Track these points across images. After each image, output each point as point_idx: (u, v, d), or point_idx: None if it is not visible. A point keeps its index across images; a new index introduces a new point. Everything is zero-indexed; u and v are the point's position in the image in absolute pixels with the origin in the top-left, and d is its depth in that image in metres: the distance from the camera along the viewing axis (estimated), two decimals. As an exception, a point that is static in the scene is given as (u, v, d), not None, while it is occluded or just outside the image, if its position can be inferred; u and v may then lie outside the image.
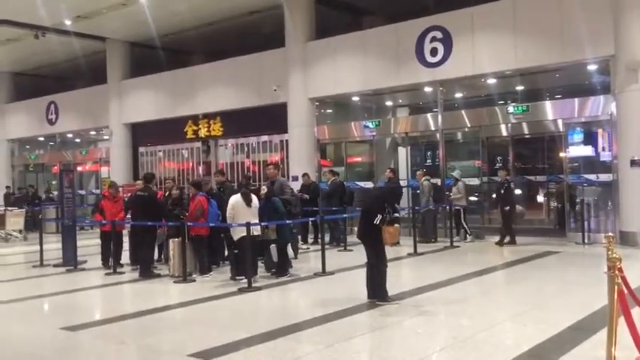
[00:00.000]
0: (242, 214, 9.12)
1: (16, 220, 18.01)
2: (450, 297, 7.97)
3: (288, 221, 9.86)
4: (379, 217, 7.39)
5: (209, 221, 9.85)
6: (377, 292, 7.49)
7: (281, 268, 9.69)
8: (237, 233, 9.08)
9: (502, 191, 12.86)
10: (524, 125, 14.74)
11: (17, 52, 22.06)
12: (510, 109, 14.00)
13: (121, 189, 13.83)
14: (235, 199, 9.24)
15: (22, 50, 21.61)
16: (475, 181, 14.71)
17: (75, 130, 24.06)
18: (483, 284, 8.90)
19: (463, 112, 15.00)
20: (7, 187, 23.59)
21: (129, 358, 5.75)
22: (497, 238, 12.93)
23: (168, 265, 10.27)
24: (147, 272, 10.18)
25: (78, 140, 25.43)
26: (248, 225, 8.81)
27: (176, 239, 9.95)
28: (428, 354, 5.42)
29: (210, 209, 9.90)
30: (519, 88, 15.53)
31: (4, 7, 17.12)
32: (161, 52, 20.33)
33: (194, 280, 9.59)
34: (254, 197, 9.42)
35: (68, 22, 18.40)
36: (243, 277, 9.06)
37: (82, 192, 23.44)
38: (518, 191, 15.29)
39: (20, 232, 18.09)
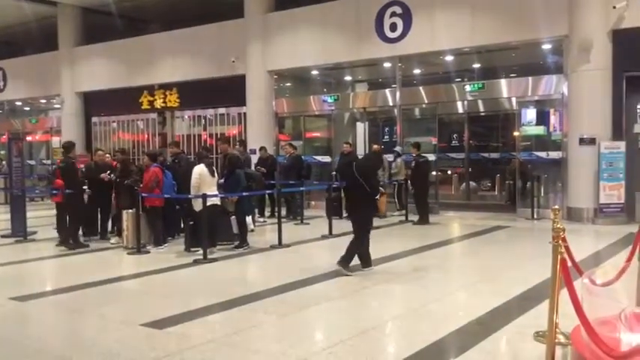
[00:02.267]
0: (207, 184, 9.13)
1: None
2: (402, 269, 8.13)
3: (246, 194, 9.83)
4: (381, 188, 7.56)
5: (164, 192, 9.73)
6: (345, 256, 7.57)
7: (241, 240, 9.69)
8: (199, 204, 8.99)
9: (412, 169, 12.92)
10: (480, 103, 14.99)
11: (-38, 15, 21.05)
12: (467, 86, 14.20)
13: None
14: (201, 168, 9.21)
15: (-33, 13, 20.63)
16: (431, 158, 14.91)
17: (24, 98, 23.25)
18: (435, 257, 9.10)
19: (421, 88, 15.14)
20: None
21: (81, 327, 5.68)
22: (451, 214, 13.21)
23: (122, 237, 10.12)
24: (67, 242, 9.99)
25: (27, 109, 24.58)
26: (205, 196, 8.78)
27: (130, 210, 9.79)
28: (380, 323, 5.54)
29: (165, 180, 9.77)
30: (476, 65, 15.75)
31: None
32: (117, 19, 19.68)
33: (148, 252, 9.50)
34: (214, 169, 9.52)
35: (17, -15, 17.65)
36: (199, 248, 9.01)
37: (32, 162, 22.76)
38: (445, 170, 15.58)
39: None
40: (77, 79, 20.77)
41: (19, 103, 23.95)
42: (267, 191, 12.47)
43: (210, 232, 9.07)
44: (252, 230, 11.14)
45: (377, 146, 13.97)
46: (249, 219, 10.17)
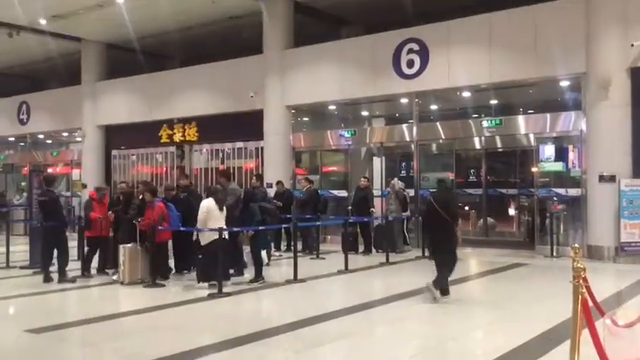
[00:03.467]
0: (215, 217, 9.09)
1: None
2: (419, 307, 8.01)
3: (262, 227, 9.84)
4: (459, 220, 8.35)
5: (172, 226, 9.74)
6: (444, 286, 8.02)
7: (256, 275, 9.65)
8: (206, 237, 9.01)
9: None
10: (497, 139, 14.97)
11: (-11, 50, 21.67)
12: (484, 122, 14.20)
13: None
14: (209, 202, 9.17)
15: (-6, 48, 21.22)
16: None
17: (46, 131, 23.64)
18: (453, 294, 8.94)
19: (438, 124, 15.16)
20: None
21: (94, 362, 5.66)
22: (468, 250, 13.08)
23: (118, 272, 9.91)
24: (46, 275, 9.95)
25: (49, 141, 25.00)
26: (221, 229, 8.80)
27: (127, 245, 9.68)
28: (396, 361, 5.44)
29: (171, 214, 9.82)
30: (493, 102, 15.77)
31: (-23, 4, 16.83)
32: (138, 55, 20.13)
33: (163, 285, 9.48)
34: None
35: (43, 22, 18.13)
36: (208, 282, 9.03)
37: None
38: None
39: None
40: (98, 112, 21.14)
41: (41, 136, 24.37)
42: (283, 225, 12.48)
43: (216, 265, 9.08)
44: (267, 264, 11.12)
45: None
46: (263, 253, 10.15)
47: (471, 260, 12.77)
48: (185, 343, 6.05)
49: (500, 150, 15.91)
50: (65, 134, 23.83)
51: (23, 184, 22.90)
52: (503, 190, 16.43)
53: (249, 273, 9.99)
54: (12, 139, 25.19)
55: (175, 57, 20.55)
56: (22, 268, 11.40)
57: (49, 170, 22.38)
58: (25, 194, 20.35)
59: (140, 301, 8.45)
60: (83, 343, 6.32)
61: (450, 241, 8.14)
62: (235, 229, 9.47)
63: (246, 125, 17.58)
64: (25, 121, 23.52)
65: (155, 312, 7.71)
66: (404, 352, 5.76)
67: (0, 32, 19.19)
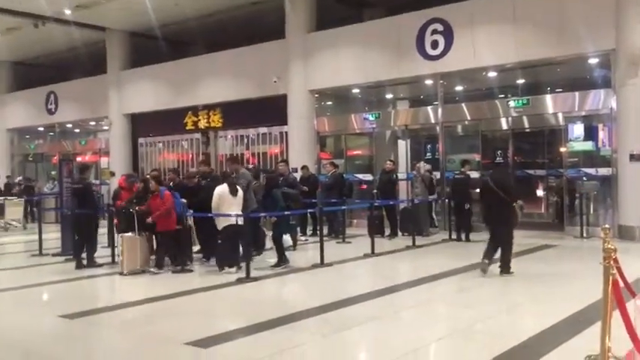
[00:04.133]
0: (228, 202, 9.23)
1: (15, 209, 18.03)
2: (447, 289, 8.00)
3: (286, 212, 9.89)
4: (519, 201, 8.81)
5: (179, 210, 9.65)
6: (504, 265, 8.45)
7: (279, 259, 9.72)
8: (221, 222, 9.24)
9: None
10: (525, 119, 14.70)
11: (17, 42, 21.98)
12: (511, 102, 13.99)
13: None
14: (221, 188, 9.32)
15: (22, 39, 21.52)
16: (475, 175, 14.68)
17: (74, 121, 24.00)
18: (481, 276, 8.90)
19: (463, 105, 14.99)
20: (8, 177, 23.59)
21: (127, 346, 5.76)
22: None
23: (119, 261, 9.65)
24: (78, 262, 10.09)
25: (77, 130, 25.39)
26: (249, 216, 8.88)
27: (126, 235, 9.54)
28: (425, 344, 5.44)
29: (176, 201, 9.68)
30: (520, 81, 15.50)
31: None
32: (161, 43, 20.25)
33: (192, 271, 9.60)
34: (239, 188, 9.51)
35: (68, 12, 18.34)
36: (225, 266, 9.27)
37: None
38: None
39: (19, 221, 18.11)
40: (124, 101, 21.37)
41: (69, 126, 24.76)
42: (309, 210, 12.52)
43: (233, 250, 9.35)
44: (293, 249, 11.20)
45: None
46: (288, 237, 10.19)
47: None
48: (214, 328, 6.14)
49: (527, 130, 15.62)
50: (92, 123, 24.17)
51: (53, 172, 23.35)
52: (531, 171, 16.17)
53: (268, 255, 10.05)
54: (41, 128, 25.66)
55: (199, 43, 20.60)
56: (54, 255, 11.63)
57: (79, 159, 22.79)
58: (56, 182, 20.77)
59: (169, 286, 8.55)
60: (115, 328, 6.45)
61: (507, 220, 8.50)
62: (254, 215, 9.55)
63: (270, 110, 17.60)
64: (53, 110, 23.92)
65: (184, 297, 7.81)
66: (432, 335, 5.75)
67: (26, 23, 19.47)
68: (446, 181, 14.40)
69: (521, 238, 12.48)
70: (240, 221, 9.27)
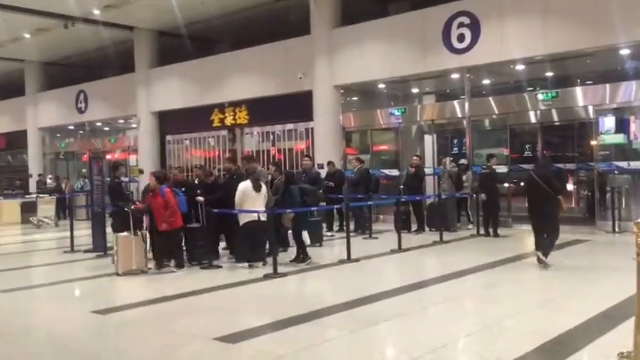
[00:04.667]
0: (251, 199, 9.33)
1: (47, 207, 18.41)
2: (476, 284, 7.93)
3: (307, 209, 9.93)
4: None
5: (183, 208, 9.52)
6: (548, 251, 8.73)
7: (301, 255, 9.73)
8: (243, 219, 9.35)
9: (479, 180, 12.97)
10: (554, 112, 14.46)
11: (47, 42, 22.40)
12: (539, 95, 13.77)
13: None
14: (245, 185, 9.41)
15: (52, 40, 21.92)
16: (503, 169, 14.52)
17: (104, 119, 24.39)
18: (510, 272, 8.82)
19: (491, 99, 14.81)
20: (40, 175, 24.09)
21: (157, 341, 5.84)
22: (524, 227, 12.79)
23: (115, 261, 9.39)
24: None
25: (107, 129, 25.79)
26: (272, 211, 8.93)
27: (121, 234, 9.36)
28: (453, 340, 5.39)
29: (178, 198, 9.52)
30: (549, 74, 15.25)
31: (35, -2, 17.43)
32: (188, 41, 20.44)
33: (220, 267, 9.67)
34: (263, 184, 9.62)
35: (97, 12, 18.62)
36: (245, 262, 9.41)
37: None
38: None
39: (51, 218, 18.47)
40: (152, 99, 21.62)
41: (99, 124, 25.16)
42: (335, 206, 12.52)
43: (254, 246, 9.44)
44: (320, 245, 11.22)
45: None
46: (305, 234, 10.18)
47: (529, 237, 12.49)
48: (241, 323, 6.19)
49: (556, 123, 15.36)
50: (121, 121, 24.53)
51: (84, 170, 23.76)
52: (561, 165, 15.91)
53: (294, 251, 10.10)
54: (71, 127, 26.12)
55: (224, 41, 20.73)
56: (85, 251, 11.84)
57: (108, 157, 23.16)
58: (85, 180, 21.14)
59: (197, 282, 8.65)
60: (145, 323, 6.54)
61: (553, 213, 8.79)
62: (272, 211, 9.51)
63: (295, 106, 17.64)
64: (83, 109, 24.32)
65: (212, 293, 7.89)
66: (460, 331, 5.70)
67: (56, 24, 19.82)
68: (473, 175, 14.24)
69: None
70: (263, 217, 9.34)
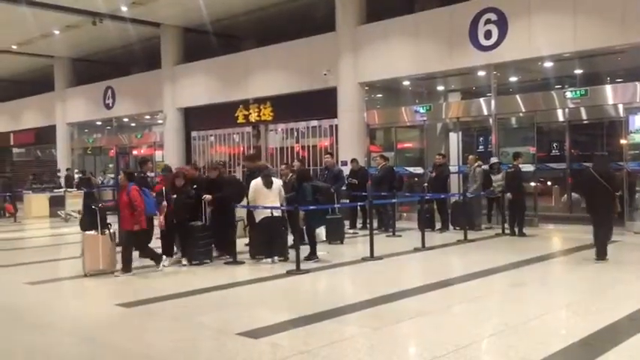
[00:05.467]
0: (263, 195, 9.47)
1: (74, 201, 18.70)
2: (501, 284, 7.84)
3: (324, 206, 9.96)
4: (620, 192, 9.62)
5: (149, 210, 9.00)
6: (601, 250, 9.04)
7: (310, 252, 9.71)
8: (259, 215, 9.51)
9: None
10: (582, 110, 14.22)
11: (76, 39, 22.72)
12: (567, 93, 13.55)
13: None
14: (256, 182, 9.55)
15: (80, 37, 22.23)
16: (529, 168, 14.33)
17: (131, 115, 24.67)
18: (536, 272, 8.70)
19: (517, 96, 14.61)
20: (68, 170, 24.49)
21: (181, 335, 5.89)
22: (551, 227, 12.64)
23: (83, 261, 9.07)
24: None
25: (133, 124, 26.10)
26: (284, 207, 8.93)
27: (87, 233, 9.06)
28: (477, 339, 5.34)
29: (146, 199, 8.98)
30: (577, 71, 14.99)
31: (64, -5, 17.71)
32: (213, 38, 20.56)
33: (243, 262, 9.71)
34: (275, 180, 9.75)
35: (124, 9, 18.83)
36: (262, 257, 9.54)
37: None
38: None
39: (79, 212, 18.75)
40: (178, 95, 21.81)
41: (125, 120, 25.47)
42: (359, 203, 12.48)
43: (268, 242, 9.56)
44: (341, 243, 11.19)
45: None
46: (320, 231, 10.16)
47: (554, 237, 12.34)
48: (264, 319, 6.21)
49: (585, 122, 15.09)
50: (148, 117, 24.80)
51: (111, 165, 24.10)
52: (589, 164, 15.63)
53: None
54: (99, 122, 26.50)
55: (250, 38, 20.82)
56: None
57: (134, 152, 23.44)
58: (107, 175, 21.47)
59: (221, 277, 8.70)
60: (169, 317, 6.60)
61: (610, 209, 9.14)
62: (277, 208, 9.62)
63: (320, 103, 17.63)
64: (110, 105, 24.64)
65: (235, 288, 7.94)
66: (484, 331, 5.65)
67: (84, 21, 20.10)
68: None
69: (580, 233, 12.15)
70: (277, 213, 9.49)
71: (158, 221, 9.46)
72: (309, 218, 9.67)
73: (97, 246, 8.92)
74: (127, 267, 8.93)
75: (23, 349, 5.56)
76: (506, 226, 12.58)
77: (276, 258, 9.57)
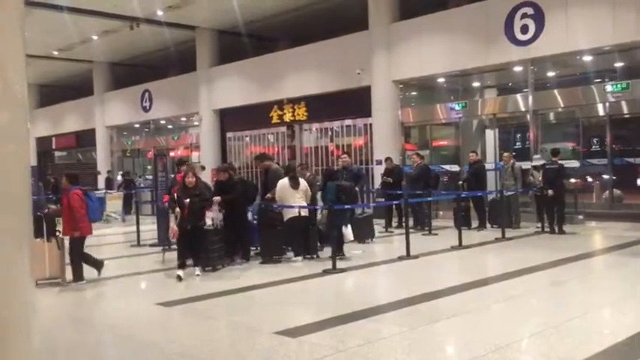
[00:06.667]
0: (290, 195, 9.61)
1: (115, 202, 19.13)
2: (541, 282, 7.71)
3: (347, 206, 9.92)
4: None
5: (90, 217, 8.57)
6: None
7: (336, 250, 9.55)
8: (286, 214, 9.66)
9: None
10: (624, 104, 13.85)
11: (114, 44, 23.21)
12: (608, 87, 13.22)
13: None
14: (283, 182, 9.69)
15: (118, 41, 22.70)
16: (574, 164, 14.03)
17: (167, 117, 25.07)
18: (577, 270, 8.53)
19: (556, 91, 14.33)
20: (109, 172, 25.04)
21: (218, 334, 5.98)
22: (593, 224, 12.37)
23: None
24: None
25: (170, 126, 26.51)
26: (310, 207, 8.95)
27: (37, 240, 8.33)
28: (516, 339, 5.27)
29: (91, 203, 8.57)
30: (618, 64, 14.60)
31: (104, 1, 18.06)
32: (247, 39, 20.74)
33: (279, 261, 9.77)
34: (302, 180, 9.84)
35: (160, 13, 19.15)
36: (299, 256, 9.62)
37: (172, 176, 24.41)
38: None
39: (119, 213, 19.18)
40: (213, 97, 22.07)
41: (162, 122, 25.90)
42: (394, 202, 12.42)
43: (294, 240, 9.71)
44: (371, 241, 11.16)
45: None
46: (347, 230, 10.13)
47: (596, 235, 12.07)
48: (301, 318, 6.25)
49: (626, 116, 14.70)
50: (184, 119, 25.15)
51: (149, 167, 24.53)
52: (631, 160, 15.21)
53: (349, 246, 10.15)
54: (137, 125, 26.99)
55: (283, 38, 20.93)
56: (151, 245, 12.23)
57: (172, 154, 23.80)
58: (140, 177, 21.82)
59: (258, 277, 8.78)
60: (207, 316, 6.69)
61: None
62: (300, 207, 9.69)
63: (353, 102, 17.61)
64: (148, 108, 25.08)
65: (272, 287, 7.99)
66: (524, 330, 5.57)
67: (122, 26, 20.53)
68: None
69: (621, 231, 11.88)
70: (304, 212, 9.64)
71: (171, 229, 9.19)
72: (334, 217, 9.69)
73: (44, 254, 8.35)
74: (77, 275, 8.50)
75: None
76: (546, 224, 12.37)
77: (300, 257, 9.68)
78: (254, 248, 10.28)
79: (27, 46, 2.33)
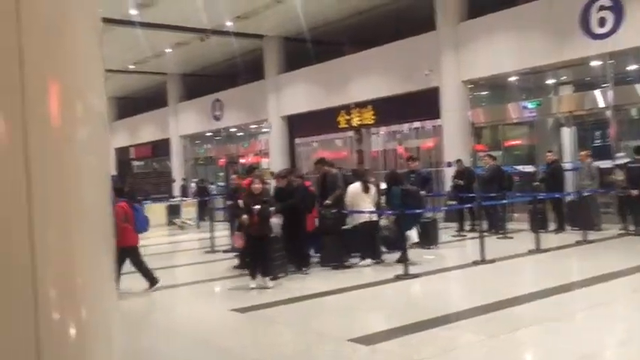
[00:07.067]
0: (361, 199, 9.69)
1: (190, 209, 19.68)
2: (625, 288, 7.30)
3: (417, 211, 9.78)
4: None
5: (138, 228, 8.65)
6: None
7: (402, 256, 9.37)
8: (357, 219, 9.76)
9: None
10: None
11: (186, 55, 23.99)
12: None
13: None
14: (355, 187, 9.75)
15: (189, 53, 23.45)
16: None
17: (238, 125, 25.61)
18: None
19: (638, 86, 13.59)
20: (183, 180, 25.83)
21: (293, 340, 6.00)
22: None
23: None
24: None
25: (240, 134, 27.06)
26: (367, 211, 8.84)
27: None
28: (600, 349, 5.01)
29: (137, 214, 8.65)
30: None
31: (175, 14, 18.70)
32: (312, 45, 20.89)
33: (350, 266, 9.71)
34: (371, 185, 9.89)
35: (229, 24, 19.62)
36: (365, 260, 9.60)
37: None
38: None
39: (194, 220, 19.70)
40: (281, 103, 22.36)
41: (233, 130, 26.49)
42: (466, 205, 12.11)
43: (366, 245, 9.69)
44: (417, 243, 10.87)
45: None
46: (411, 233, 9.94)
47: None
48: (374, 325, 6.19)
49: None
50: (253, 126, 25.61)
51: (221, 174, 25.13)
52: None
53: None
54: (209, 134, 27.74)
55: (348, 43, 20.95)
56: (225, 251, 12.45)
57: (242, 160, 24.27)
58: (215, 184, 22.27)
59: (330, 283, 8.76)
60: (280, 322, 6.74)
61: None
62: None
63: (421, 104, 17.38)
64: (219, 117, 25.73)
65: (343, 294, 7.93)
66: (611, 339, 5.28)
67: (193, 37, 21.17)
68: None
69: None
70: (374, 217, 9.73)
71: (235, 237, 9.06)
72: (401, 222, 9.56)
73: None
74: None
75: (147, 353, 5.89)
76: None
77: (369, 260, 9.68)
78: (314, 255, 10.16)
79: (105, 61, 2.42)
